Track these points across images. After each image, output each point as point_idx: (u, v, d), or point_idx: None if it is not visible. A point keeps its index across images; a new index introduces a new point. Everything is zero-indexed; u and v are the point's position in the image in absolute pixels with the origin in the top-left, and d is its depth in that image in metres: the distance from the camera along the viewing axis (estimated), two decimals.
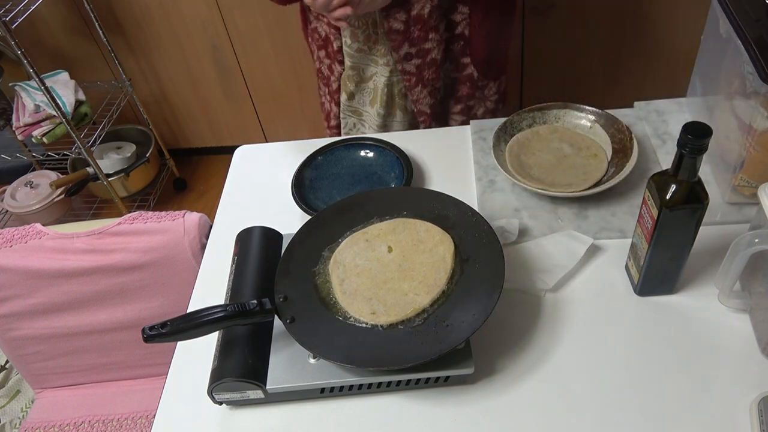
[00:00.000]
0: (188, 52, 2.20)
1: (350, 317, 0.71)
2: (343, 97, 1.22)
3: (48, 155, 2.17)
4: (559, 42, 2.01)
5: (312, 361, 0.71)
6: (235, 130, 2.46)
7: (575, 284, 0.81)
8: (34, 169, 2.40)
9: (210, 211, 1.03)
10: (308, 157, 1.02)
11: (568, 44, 2.01)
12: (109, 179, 2.12)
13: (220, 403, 0.72)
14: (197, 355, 0.77)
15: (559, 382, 0.71)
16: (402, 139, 1.04)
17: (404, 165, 0.97)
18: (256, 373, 0.69)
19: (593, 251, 0.84)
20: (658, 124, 1.01)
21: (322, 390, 0.71)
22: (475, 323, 0.66)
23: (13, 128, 2.05)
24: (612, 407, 0.68)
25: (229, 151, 1.15)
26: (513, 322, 0.77)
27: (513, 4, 1.18)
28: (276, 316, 0.72)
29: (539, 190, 0.89)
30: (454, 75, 1.19)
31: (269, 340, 0.74)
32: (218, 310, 0.68)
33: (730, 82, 0.83)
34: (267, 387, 0.69)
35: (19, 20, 1.69)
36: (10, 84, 2.07)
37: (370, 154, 1.03)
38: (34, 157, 2.38)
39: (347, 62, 1.16)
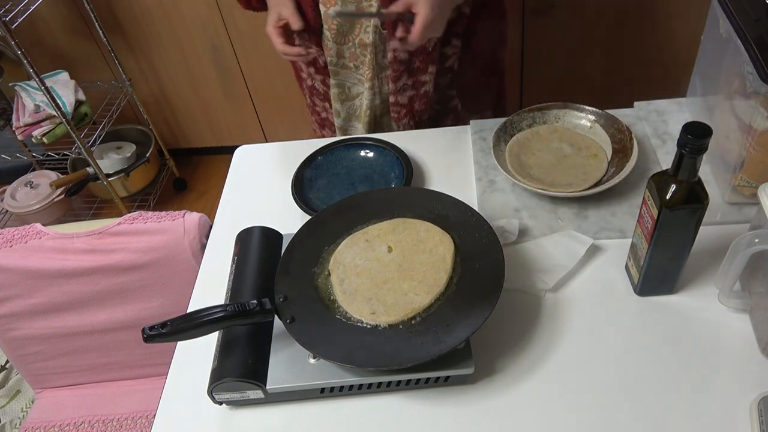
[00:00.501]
0: (188, 52, 2.20)
1: (350, 317, 0.71)
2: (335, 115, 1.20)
3: (48, 155, 2.17)
4: (559, 42, 2.01)
5: (312, 361, 0.71)
6: (235, 130, 2.46)
7: (575, 284, 0.81)
8: (34, 169, 2.39)
9: (210, 211, 1.03)
10: (308, 157, 1.02)
11: (568, 44, 2.01)
12: (109, 179, 2.12)
13: (220, 403, 0.72)
14: (197, 355, 0.77)
15: (559, 382, 0.71)
16: (402, 139, 1.04)
17: (404, 165, 0.97)
18: (256, 373, 0.69)
19: (593, 251, 0.84)
20: (658, 124, 1.01)
21: (322, 390, 0.71)
22: (475, 323, 0.66)
23: (13, 128, 2.05)
24: (612, 407, 0.68)
25: (229, 151, 1.15)
26: (513, 322, 0.77)
27: (504, 42, 1.18)
28: (276, 316, 0.72)
29: (539, 190, 0.89)
30: (436, 107, 1.17)
31: (269, 340, 0.74)
32: (218, 310, 0.68)
33: (730, 82, 0.83)
34: (267, 387, 0.69)
35: (19, 20, 1.69)
36: (10, 84, 2.07)
37: (370, 154, 1.03)
38: (34, 157, 2.38)
39: (332, 81, 1.13)
